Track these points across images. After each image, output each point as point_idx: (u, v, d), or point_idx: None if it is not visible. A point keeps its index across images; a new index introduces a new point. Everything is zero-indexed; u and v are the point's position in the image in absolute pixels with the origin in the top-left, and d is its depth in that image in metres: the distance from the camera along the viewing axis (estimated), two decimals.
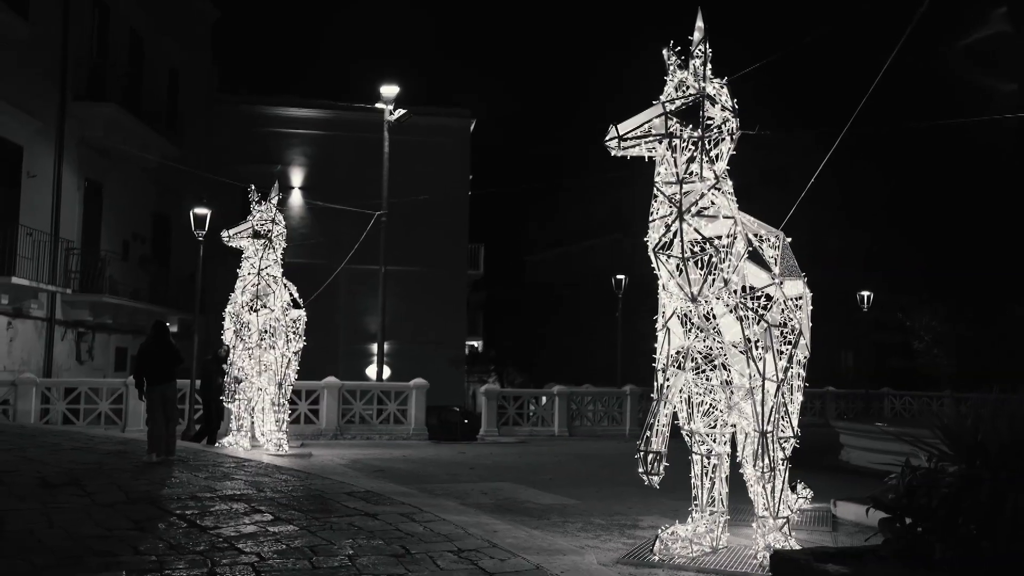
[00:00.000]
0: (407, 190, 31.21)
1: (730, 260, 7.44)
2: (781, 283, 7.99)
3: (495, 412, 22.32)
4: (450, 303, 37.31)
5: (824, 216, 34.66)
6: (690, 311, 7.65)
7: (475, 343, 51.11)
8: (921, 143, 36.33)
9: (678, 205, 7.29)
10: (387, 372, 25.77)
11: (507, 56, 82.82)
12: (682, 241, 7.31)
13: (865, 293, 31.81)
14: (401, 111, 24.04)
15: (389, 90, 24.10)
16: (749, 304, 7.67)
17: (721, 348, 7.70)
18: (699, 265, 7.42)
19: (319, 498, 9.54)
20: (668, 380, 7.95)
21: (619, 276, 31.52)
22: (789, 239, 8.22)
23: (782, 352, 7.98)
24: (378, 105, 24.42)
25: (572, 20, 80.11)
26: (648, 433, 7.83)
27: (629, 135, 7.27)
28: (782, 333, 8.01)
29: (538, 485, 12.97)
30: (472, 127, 38.65)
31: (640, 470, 7.83)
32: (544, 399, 24.03)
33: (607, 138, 7.33)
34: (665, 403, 7.93)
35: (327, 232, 33.56)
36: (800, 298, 8.35)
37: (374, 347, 35.05)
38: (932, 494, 5.10)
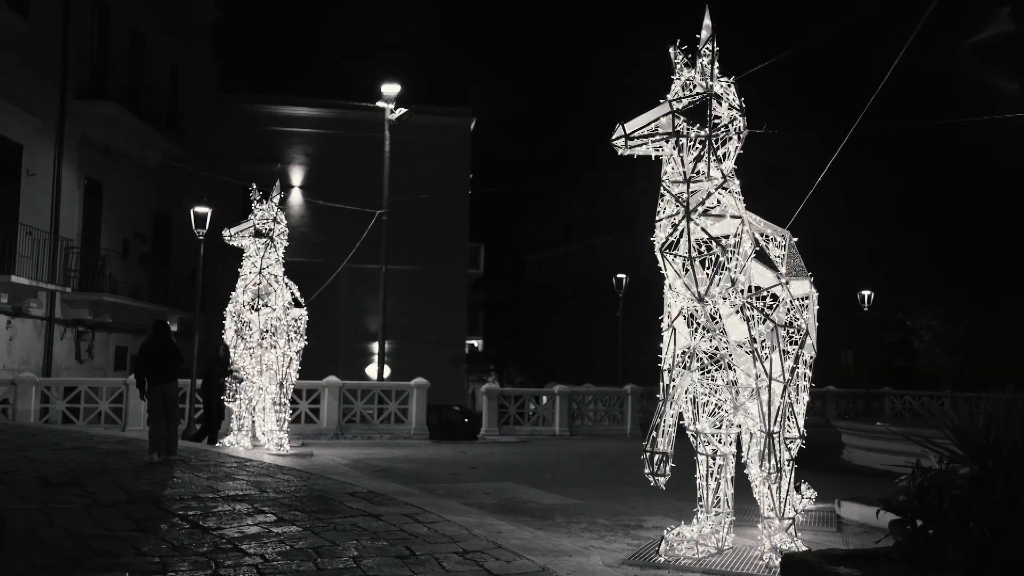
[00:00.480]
0: (407, 189, 31.18)
1: (737, 260, 7.39)
2: (787, 283, 7.95)
3: (496, 411, 22.28)
4: (450, 302, 37.30)
5: (827, 214, 34.59)
6: (696, 311, 7.60)
7: (475, 342, 51.10)
8: (925, 141, 36.17)
9: (685, 204, 7.24)
10: (387, 371, 25.72)
11: (510, 54, 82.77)
12: (689, 240, 7.26)
13: (866, 292, 31.78)
14: (402, 110, 23.99)
15: (390, 89, 24.04)
16: (755, 304, 7.63)
17: (727, 348, 7.65)
18: (706, 265, 7.37)
19: (322, 499, 9.50)
20: (674, 380, 7.90)
21: (620, 275, 31.48)
22: (795, 239, 8.18)
23: (788, 352, 7.93)
24: (379, 104, 24.37)
25: (575, 19, 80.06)
26: (654, 434, 7.78)
27: (636, 134, 7.22)
28: (788, 333, 7.96)
29: (540, 485, 12.92)
30: (472, 126, 38.62)
31: (646, 471, 7.78)
32: (545, 398, 23.99)
33: (614, 137, 7.27)
34: (671, 403, 7.88)
35: (326, 231, 33.56)
36: (806, 298, 8.30)
37: (374, 346, 35.01)
38: (943, 496, 5.06)
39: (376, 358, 35.60)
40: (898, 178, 40.41)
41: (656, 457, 7.70)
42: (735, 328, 7.68)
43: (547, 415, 23.06)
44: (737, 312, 7.50)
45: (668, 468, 7.75)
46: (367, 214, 25.92)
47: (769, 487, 7.90)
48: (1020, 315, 31.80)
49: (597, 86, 74.45)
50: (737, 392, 7.83)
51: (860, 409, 28.69)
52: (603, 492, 12.36)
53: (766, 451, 7.77)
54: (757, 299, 7.70)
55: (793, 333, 8.08)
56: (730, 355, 7.71)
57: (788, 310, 8.02)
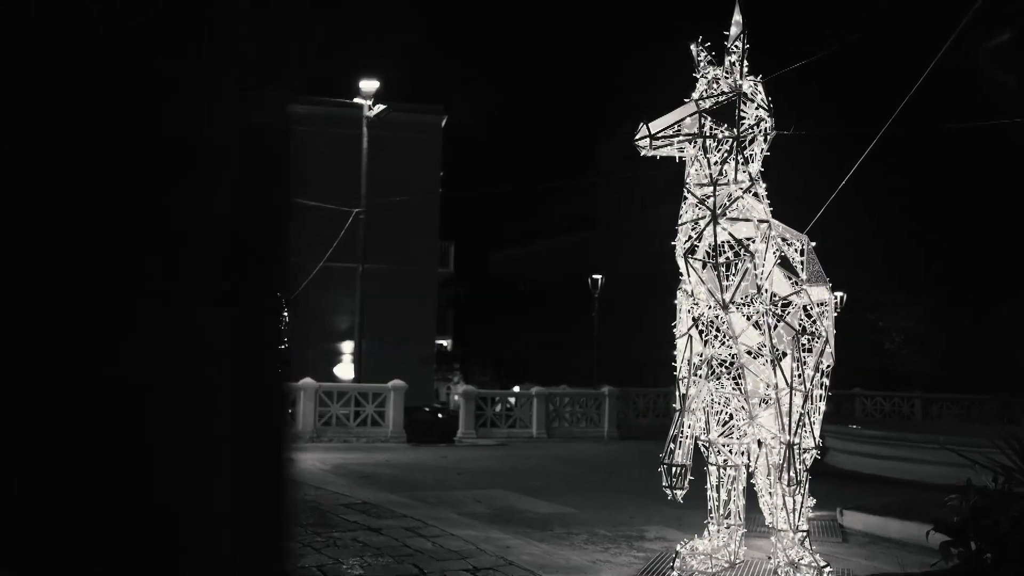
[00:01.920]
0: (376, 186, 30.64)
1: (763, 266, 7.13)
2: (805, 289, 7.71)
3: (473, 414, 21.93)
4: (420, 301, 36.85)
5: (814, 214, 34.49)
6: (718, 318, 7.33)
7: (444, 342, 50.66)
8: (923, 143, 35.72)
9: (712, 208, 6.96)
10: (352, 372, 25.27)
11: (492, 51, 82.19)
12: (715, 245, 6.99)
13: (839, 294, 31.86)
14: (381, 106, 23.55)
15: (368, 85, 23.58)
16: (777, 311, 7.38)
17: (747, 355, 7.39)
18: (730, 270, 7.10)
19: (316, 510, 9.12)
20: (690, 390, 7.63)
21: (595, 276, 31.32)
22: (814, 243, 7.93)
23: (805, 361, 7.69)
24: (356, 100, 23.90)
25: (560, 19, 79.75)
26: (672, 445, 7.51)
27: (660, 134, 6.92)
28: (807, 340, 7.73)
29: (531, 492, 12.63)
30: (444, 123, 38.19)
31: (664, 484, 7.50)
32: (514, 400, 23.66)
33: (637, 137, 6.97)
34: (688, 413, 7.61)
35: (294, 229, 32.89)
36: (823, 304, 8.07)
37: (342, 346, 34.55)
38: (1000, 518, 4.83)
39: (344, 358, 35.14)
40: (892, 177, 39.78)
41: (674, 469, 7.43)
42: (749, 335, 7.44)
43: (524, 417, 22.75)
44: (760, 319, 7.24)
45: (686, 481, 7.48)
46: (336, 211, 25.40)
47: (785, 499, 7.67)
48: (1009, 318, 31.95)
49: (577, 85, 74.35)
50: (753, 401, 7.58)
51: (830, 410, 28.71)
52: (596, 500, 12.10)
53: (785, 463, 7.52)
54: (778, 306, 7.46)
55: (810, 340, 7.85)
56: (745, 363, 7.46)
57: (802, 317, 7.79)
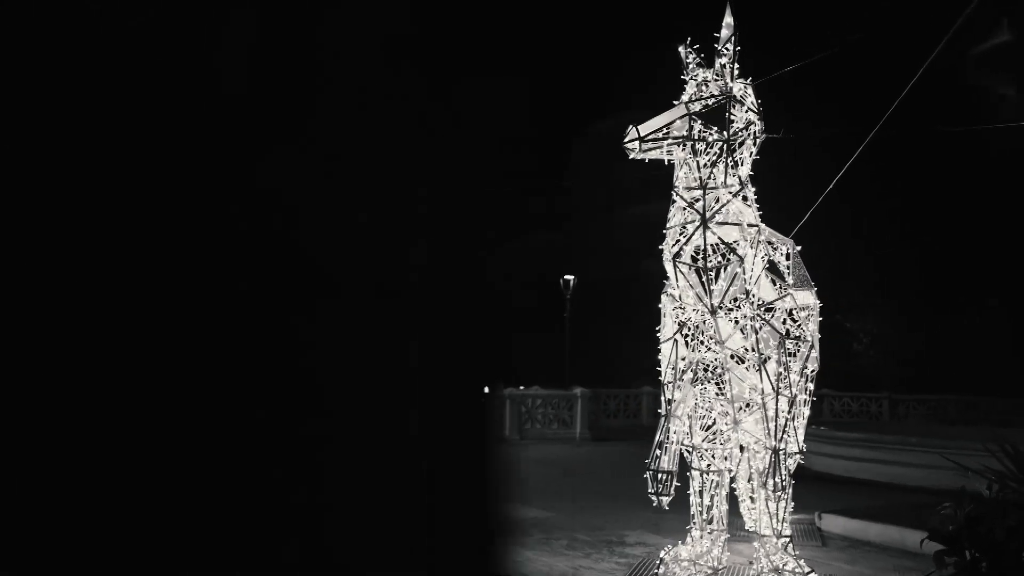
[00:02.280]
0: None
1: (752, 270, 7.08)
2: (790, 294, 7.67)
3: None
4: None
5: (791, 215, 34.60)
6: (703, 322, 7.27)
7: None
8: (908, 145, 35.69)
9: (701, 212, 6.89)
10: None
11: (469, 46, 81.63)
12: (705, 248, 6.92)
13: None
14: None
15: None
16: (764, 315, 7.34)
17: (732, 360, 7.34)
18: (719, 274, 7.04)
19: None
20: (675, 395, 7.57)
21: (567, 277, 31.26)
22: (799, 247, 7.90)
23: (790, 365, 7.66)
24: None
25: (540, 15, 79.41)
26: (658, 451, 7.44)
27: (650, 137, 6.84)
28: (795, 345, 7.70)
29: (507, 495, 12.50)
30: None
31: (649, 490, 7.43)
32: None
33: (627, 140, 6.88)
34: (674, 419, 7.54)
35: None
36: (808, 308, 8.03)
37: None
38: (995, 526, 4.80)
39: None
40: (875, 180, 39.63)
41: (660, 476, 7.36)
42: (734, 339, 7.39)
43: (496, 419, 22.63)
44: (748, 323, 7.19)
45: (672, 488, 7.42)
46: None
47: (768, 504, 7.63)
48: (982, 320, 32.22)
49: (550, 85, 74.07)
50: (739, 406, 7.54)
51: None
52: (573, 503, 12.01)
53: (770, 468, 7.48)
54: (764, 310, 7.42)
55: (795, 344, 7.82)
56: (731, 368, 7.41)
57: (786, 320, 7.76)
